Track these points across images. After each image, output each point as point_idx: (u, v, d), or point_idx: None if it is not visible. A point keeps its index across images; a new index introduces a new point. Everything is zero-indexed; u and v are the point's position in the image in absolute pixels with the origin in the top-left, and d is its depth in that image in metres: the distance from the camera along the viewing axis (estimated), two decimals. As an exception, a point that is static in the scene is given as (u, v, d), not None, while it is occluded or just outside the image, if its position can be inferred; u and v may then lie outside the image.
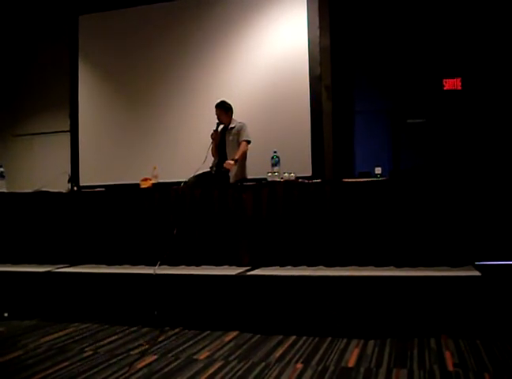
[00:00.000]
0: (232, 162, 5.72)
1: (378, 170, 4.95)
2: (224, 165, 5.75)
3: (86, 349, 3.64)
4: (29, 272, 4.94)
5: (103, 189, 5.74)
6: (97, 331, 4.16)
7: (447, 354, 3.23)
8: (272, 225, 4.66)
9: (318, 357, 3.29)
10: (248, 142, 5.94)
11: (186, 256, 4.90)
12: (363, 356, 3.27)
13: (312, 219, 4.56)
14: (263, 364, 3.18)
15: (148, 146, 7.97)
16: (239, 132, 5.98)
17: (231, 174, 5.79)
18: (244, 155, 5.95)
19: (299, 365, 3.13)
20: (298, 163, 6.31)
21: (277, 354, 3.39)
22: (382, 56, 7.34)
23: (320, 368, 3.07)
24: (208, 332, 4.01)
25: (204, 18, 7.86)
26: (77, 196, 5.52)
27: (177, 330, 4.09)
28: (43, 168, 8.73)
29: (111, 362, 3.33)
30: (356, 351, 3.38)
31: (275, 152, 5.14)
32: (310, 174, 6.80)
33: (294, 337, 3.76)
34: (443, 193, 4.28)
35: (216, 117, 6.05)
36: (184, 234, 4.89)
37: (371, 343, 3.55)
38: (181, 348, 3.60)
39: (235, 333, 3.94)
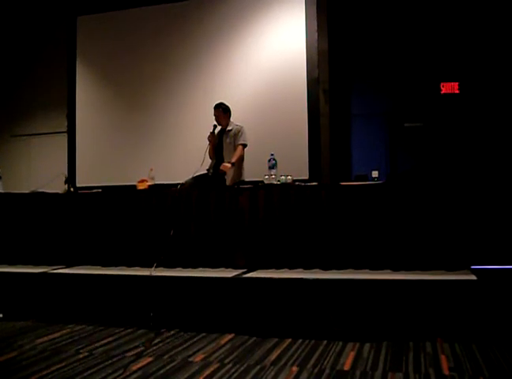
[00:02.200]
0: (229, 165, 5.73)
1: (375, 174, 4.96)
2: (221, 167, 5.75)
3: (81, 350, 3.63)
4: (25, 273, 4.93)
5: (99, 190, 5.73)
6: (93, 332, 4.15)
7: (443, 358, 3.23)
8: (269, 228, 4.66)
9: (313, 360, 3.29)
10: (244, 146, 5.94)
11: (183, 258, 4.90)
12: (359, 359, 3.27)
13: (308, 222, 4.56)
14: (258, 367, 3.18)
15: (145, 147, 7.97)
16: (236, 135, 5.98)
17: (228, 177, 5.80)
18: (241, 158, 5.96)
19: (295, 368, 3.13)
20: (295, 166, 6.32)
21: (273, 356, 3.39)
22: (380, 60, 7.36)
23: (316, 371, 3.06)
24: (204, 334, 4.00)
25: (202, 20, 7.87)
26: (74, 197, 5.52)
27: (173, 332, 4.08)
28: (39, 169, 8.72)
29: (106, 363, 3.32)
30: (352, 354, 3.38)
31: (272, 155, 5.14)
32: (307, 177, 6.82)
33: (289, 340, 3.76)
34: (440, 197, 4.29)
35: (213, 118, 6.06)
36: (180, 235, 4.89)
37: (367, 346, 3.55)
38: (176, 350, 3.59)
39: (230, 336, 3.93)
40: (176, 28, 7.99)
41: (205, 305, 4.22)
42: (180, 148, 7.69)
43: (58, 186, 5.89)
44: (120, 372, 3.14)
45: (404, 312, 3.76)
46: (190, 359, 3.38)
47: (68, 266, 5.20)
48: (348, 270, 4.39)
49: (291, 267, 4.57)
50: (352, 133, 7.49)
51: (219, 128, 6.09)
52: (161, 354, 3.50)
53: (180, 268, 4.85)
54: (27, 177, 8.82)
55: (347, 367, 3.12)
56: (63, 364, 3.32)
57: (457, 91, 7.01)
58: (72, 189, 5.95)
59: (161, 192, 5.14)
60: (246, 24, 7.67)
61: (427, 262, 4.23)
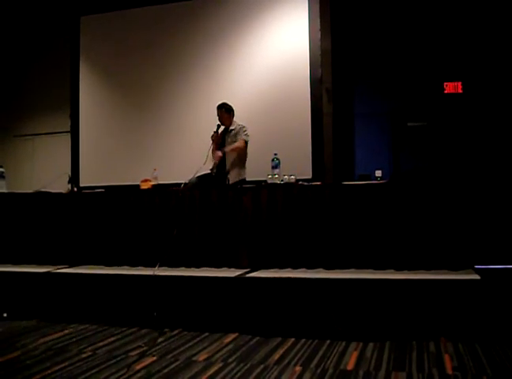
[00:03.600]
0: (220, 153, 5.73)
1: (378, 173, 4.95)
2: (215, 157, 5.74)
3: (85, 350, 3.63)
4: (29, 273, 4.94)
5: (103, 190, 5.74)
6: (96, 332, 4.16)
7: (446, 358, 3.23)
8: (272, 227, 4.66)
9: (316, 359, 3.29)
10: (246, 142, 5.92)
11: (186, 257, 4.90)
12: (362, 359, 3.27)
13: (312, 221, 4.56)
14: (262, 366, 3.18)
15: (148, 147, 7.98)
16: (237, 133, 5.98)
17: (231, 175, 5.79)
18: (242, 152, 5.94)
19: (298, 368, 3.13)
20: (298, 166, 6.31)
21: (276, 356, 3.39)
22: (383, 59, 7.35)
23: (319, 371, 3.06)
24: (208, 333, 4.00)
25: (205, 20, 7.87)
26: (77, 197, 5.52)
27: (176, 331, 4.08)
28: (43, 169, 8.75)
29: (109, 363, 3.33)
30: (355, 354, 3.38)
31: (275, 155, 5.14)
32: (310, 176, 6.81)
33: (293, 339, 3.76)
34: (443, 196, 4.29)
35: (217, 118, 6.06)
36: (184, 235, 4.90)
37: (370, 345, 3.55)
38: (180, 350, 3.60)
39: (234, 335, 3.93)
40: (179, 28, 7.99)
41: (208, 305, 4.22)
42: (183, 148, 7.69)
43: (62, 186, 5.90)
44: (123, 371, 3.14)
45: (408, 311, 3.76)
46: (194, 359, 3.38)
47: (71, 266, 5.20)
48: (352, 270, 4.38)
49: (295, 266, 4.57)
50: (355, 132, 7.49)
51: (222, 128, 6.09)
52: (164, 354, 3.50)
53: (183, 268, 4.85)
54: (30, 177, 8.84)
55: (350, 367, 3.12)
56: (66, 363, 3.33)
57: (460, 91, 7.00)
58: (75, 189, 5.96)
59: (164, 191, 5.14)
60: (250, 24, 7.66)
61: (431, 262, 4.23)
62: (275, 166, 5.09)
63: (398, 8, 7.27)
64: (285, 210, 4.65)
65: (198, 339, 3.88)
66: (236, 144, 5.88)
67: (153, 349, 3.62)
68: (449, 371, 2.98)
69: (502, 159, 6.55)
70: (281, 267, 4.60)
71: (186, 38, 7.95)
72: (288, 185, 4.84)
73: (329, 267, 4.47)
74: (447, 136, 6.95)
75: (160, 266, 4.68)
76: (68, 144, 8.62)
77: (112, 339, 3.94)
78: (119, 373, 3.11)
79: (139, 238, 5.07)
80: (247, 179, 5.97)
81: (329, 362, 3.23)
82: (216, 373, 3.08)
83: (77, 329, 4.25)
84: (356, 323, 3.81)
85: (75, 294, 4.66)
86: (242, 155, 5.98)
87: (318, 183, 4.97)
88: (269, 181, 4.95)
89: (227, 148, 5.78)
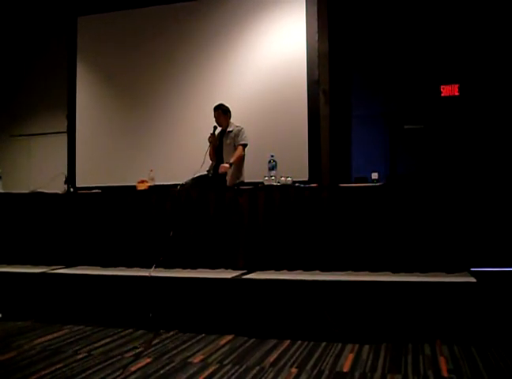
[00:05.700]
0: (227, 165, 5.72)
1: (374, 176, 4.96)
2: (220, 169, 5.75)
3: (80, 351, 3.63)
4: (24, 273, 4.93)
5: (99, 190, 5.73)
6: (91, 333, 4.15)
7: (441, 360, 3.23)
8: (269, 229, 4.66)
9: (312, 361, 3.29)
10: (244, 146, 5.94)
11: (182, 258, 4.90)
12: (358, 361, 3.27)
13: (308, 223, 4.56)
14: (257, 368, 3.18)
15: (145, 148, 7.96)
16: (236, 135, 5.98)
17: (228, 177, 5.80)
18: (241, 159, 5.95)
19: (294, 370, 3.13)
20: (295, 168, 6.30)
21: (272, 358, 3.39)
22: (380, 61, 7.36)
23: (315, 372, 3.06)
24: (203, 335, 4.00)
25: (202, 21, 7.86)
26: (74, 197, 5.52)
27: (172, 333, 4.08)
28: (39, 169, 8.71)
29: (105, 364, 3.32)
30: (351, 356, 3.38)
31: (272, 156, 5.14)
32: (306, 178, 6.81)
33: (289, 341, 3.76)
34: (440, 199, 4.29)
35: (213, 120, 6.06)
36: (180, 236, 4.89)
37: (366, 348, 3.56)
38: (175, 351, 3.59)
39: (230, 337, 3.93)
40: (176, 29, 7.98)
41: (204, 306, 4.22)
42: (180, 149, 7.68)
43: (58, 186, 5.89)
44: (119, 372, 3.14)
45: (404, 314, 3.76)
46: (189, 360, 3.38)
47: (67, 266, 5.19)
48: (348, 272, 4.39)
49: (291, 268, 4.57)
50: (351, 134, 7.48)
51: (219, 129, 6.09)
52: (160, 355, 3.50)
53: (179, 269, 4.85)
54: (27, 177, 8.81)
55: (346, 369, 3.13)
56: (62, 364, 3.33)
57: (457, 94, 7.01)
58: (71, 190, 5.95)
59: (161, 193, 5.14)
60: (247, 26, 7.66)
61: (427, 264, 4.23)
62: (272, 168, 5.09)
63: (395, 11, 7.27)
64: (282, 212, 4.66)
65: (194, 340, 3.88)
66: (237, 154, 5.86)
67: (149, 350, 3.62)
68: (445, 374, 2.99)
69: (498, 162, 6.56)
70: (278, 268, 4.60)
71: (183, 39, 7.94)
72: (284, 186, 4.84)
73: (325, 269, 4.47)
74: (444, 139, 6.96)
75: (156, 267, 4.68)
76: (64, 144, 8.59)
77: (108, 340, 3.93)
78: (115, 375, 3.11)
79: (135, 239, 5.07)
80: (245, 181, 5.96)
81: (324, 363, 3.24)
82: (212, 374, 3.08)
83: (73, 330, 4.25)
84: (352, 325, 3.81)
85: (71, 295, 4.65)
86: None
87: (315, 185, 4.97)
88: (266, 183, 4.96)
89: (232, 160, 5.77)
